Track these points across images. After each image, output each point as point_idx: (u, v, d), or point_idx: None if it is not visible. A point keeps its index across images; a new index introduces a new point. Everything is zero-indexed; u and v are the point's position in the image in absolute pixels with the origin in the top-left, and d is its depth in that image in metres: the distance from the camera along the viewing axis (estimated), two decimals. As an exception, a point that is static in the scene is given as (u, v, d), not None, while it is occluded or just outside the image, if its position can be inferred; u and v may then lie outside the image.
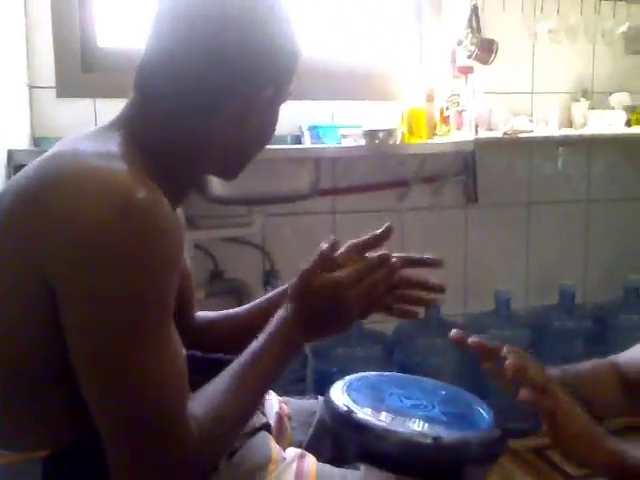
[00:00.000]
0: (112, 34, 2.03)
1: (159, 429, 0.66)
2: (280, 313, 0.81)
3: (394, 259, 0.84)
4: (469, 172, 2.34)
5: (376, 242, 0.89)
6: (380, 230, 0.89)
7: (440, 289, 0.91)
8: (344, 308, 0.80)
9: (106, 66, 1.98)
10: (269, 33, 0.77)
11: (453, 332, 0.93)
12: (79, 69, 1.97)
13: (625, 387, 1.07)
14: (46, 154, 0.74)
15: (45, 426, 0.72)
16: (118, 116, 0.80)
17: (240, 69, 0.76)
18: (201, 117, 0.77)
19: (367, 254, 0.88)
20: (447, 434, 0.88)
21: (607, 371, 1.09)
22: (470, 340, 0.93)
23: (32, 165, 0.73)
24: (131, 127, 0.77)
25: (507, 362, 0.83)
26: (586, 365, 1.10)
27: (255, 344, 0.79)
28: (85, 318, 0.64)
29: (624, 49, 2.46)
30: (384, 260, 0.83)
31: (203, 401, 0.72)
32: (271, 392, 1.06)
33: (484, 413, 0.98)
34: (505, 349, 0.87)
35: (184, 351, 0.75)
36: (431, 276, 0.94)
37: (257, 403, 0.82)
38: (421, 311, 0.94)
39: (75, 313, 0.65)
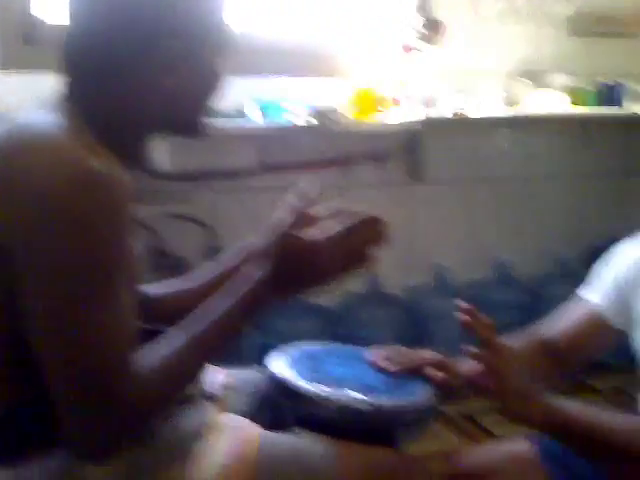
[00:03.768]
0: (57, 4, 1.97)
1: (100, 379, 0.70)
2: (250, 271, 0.82)
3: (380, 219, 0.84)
4: (414, 150, 2.38)
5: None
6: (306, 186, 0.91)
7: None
8: (321, 270, 0.81)
9: (51, 38, 1.92)
10: None
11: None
12: (22, 41, 1.91)
13: (554, 356, 1.14)
14: None
15: None
16: (54, 99, 0.82)
17: (139, 17, 0.79)
18: (124, 76, 0.80)
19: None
20: (384, 401, 0.92)
21: (535, 348, 1.14)
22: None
23: None
24: (70, 104, 0.80)
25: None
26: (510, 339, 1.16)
27: (216, 302, 0.80)
28: (39, 274, 0.69)
29: (567, 31, 2.54)
30: (373, 221, 0.84)
31: (151, 355, 0.75)
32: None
33: (419, 380, 1.03)
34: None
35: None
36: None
37: (211, 360, 0.84)
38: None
39: (31, 269, 0.69)
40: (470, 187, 2.57)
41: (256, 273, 0.81)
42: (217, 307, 0.80)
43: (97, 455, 0.73)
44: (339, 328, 2.23)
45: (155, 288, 1.05)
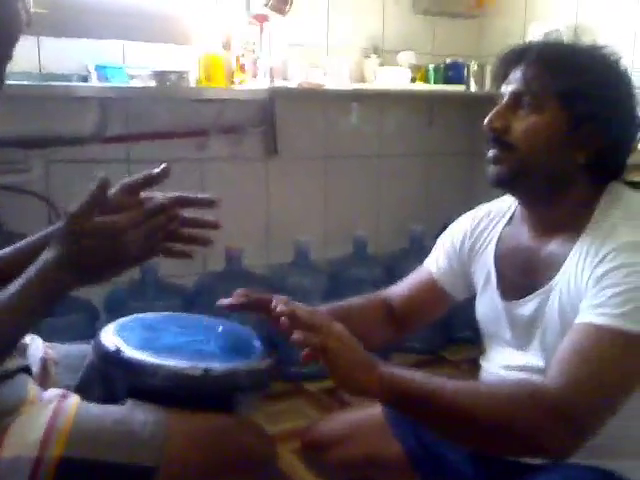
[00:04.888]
0: None
1: None
2: (42, 256, 0.75)
3: (171, 205, 0.81)
4: (268, 124, 2.36)
5: (150, 183, 0.85)
6: (156, 170, 0.84)
7: (215, 226, 0.89)
8: (118, 253, 0.76)
9: None
10: None
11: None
12: None
13: (392, 316, 1.16)
14: None
15: None
16: None
17: None
18: None
19: (142, 194, 0.85)
20: (217, 365, 0.89)
21: (375, 305, 1.17)
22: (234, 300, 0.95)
23: None
24: None
25: (277, 310, 0.85)
26: (355, 300, 1.17)
27: (11, 287, 0.73)
28: None
29: (411, 10, 2.62)
30: (164, 207, 0.80)
31: None
32: (35, 337, 1.00)
33: (257, 345, 1.01)
34: (273, 301, 0.88)
35: None
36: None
37: (8, 346, 0.76)
38: (196, 249, 0.91)
39: None
40: (325, 163, 2.59)
41: (42, 257, 0.76)
42: (11, 286, 0.74)
43: None
44: (197, 307, 2.17)
45: None
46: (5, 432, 0.75)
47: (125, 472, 0.77)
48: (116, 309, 2.02)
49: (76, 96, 1.81)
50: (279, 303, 0.87)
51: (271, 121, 2.35)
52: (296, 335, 0.81)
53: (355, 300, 1.17)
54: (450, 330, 2.65)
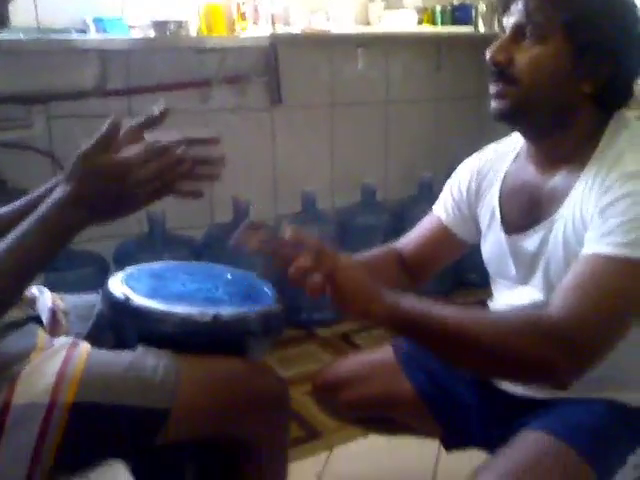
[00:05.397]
0: None
1: None
2: (54, 194, 0.76)
3: (180, 148, 0.80)
4: (272, 72, 2.32)
5: (152, 123, 0.85)
6: (156, 110, 0.85)
7: (221, 161, 0.87)
8: (128, 190, 0.76)
9: None
10: None
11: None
12: None
13: (406, 267, 1.16)
14: None
15: None
16: None
17: None
18: None
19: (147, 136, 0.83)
20: (227, 311, 0.90)
21: (389, 257, 1.17)
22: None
23: None
24: None
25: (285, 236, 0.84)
26: (368, 254, 1.16)
27: (21, 225, 0.74)
28: None
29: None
30: (168, 148, 0.79)
31: None
32: (44, 289, 1.00)
33: (267, 291, 1.01)
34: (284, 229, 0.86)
35: None
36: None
37: (18, 284, 0.76)
38: (206, 188, 0.88)
39: None
40: (331, 110, 2.55)
41: (53, 195, 0.76)
42: (21, 225, 0.74)
43: None
44: (206, 258, 2.18)
45: None
46: (16, 379, 0.77)
47: (137, 415, 0.78)
48: (125, 261, 2.01)
49: (75, 49, 1.78)
50: (288, 230, 0.85)
51: (274, 69, 2.31)
52: (303, 260, 0.79)
53: (368, 254, 1.16)
54: (459, 274, 2.64)
